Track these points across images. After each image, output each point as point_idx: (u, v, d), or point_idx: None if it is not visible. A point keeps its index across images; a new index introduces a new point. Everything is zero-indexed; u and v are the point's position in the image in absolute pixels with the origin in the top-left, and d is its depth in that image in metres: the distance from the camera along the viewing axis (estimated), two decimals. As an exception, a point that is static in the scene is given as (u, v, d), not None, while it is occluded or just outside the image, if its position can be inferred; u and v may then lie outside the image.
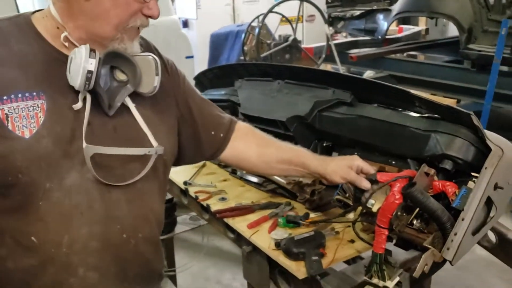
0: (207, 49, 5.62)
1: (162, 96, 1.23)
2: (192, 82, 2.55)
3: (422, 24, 6.27)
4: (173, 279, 2.54)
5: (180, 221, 2.69)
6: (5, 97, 1.00)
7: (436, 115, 1.50)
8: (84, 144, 1.05)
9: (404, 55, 5.45)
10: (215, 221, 1.89)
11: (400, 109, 1.60)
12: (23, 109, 1.01)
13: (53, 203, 1.05)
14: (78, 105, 1.06)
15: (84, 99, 1.07)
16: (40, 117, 1.03)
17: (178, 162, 1.39)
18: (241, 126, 1.46)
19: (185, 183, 2.04)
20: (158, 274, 1.31)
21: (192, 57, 4.59)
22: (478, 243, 1.80)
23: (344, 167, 1.41)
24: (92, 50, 1.04)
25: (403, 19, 6.11)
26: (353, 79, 1.73)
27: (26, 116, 1.02)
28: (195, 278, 2.89)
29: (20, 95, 1.02)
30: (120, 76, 1.12)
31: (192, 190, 1.99)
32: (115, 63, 1.11)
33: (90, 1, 1.03)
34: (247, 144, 1.44)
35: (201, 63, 5.48)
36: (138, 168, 1.14)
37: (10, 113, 1.00)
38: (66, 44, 1.08)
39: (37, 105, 1.03)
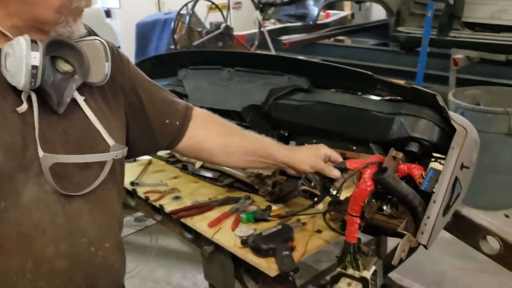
0: (132, 39, 5.35)
1: (109, 86, 1.09)
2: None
3: (347, 9, 6.40)
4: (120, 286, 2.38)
5: (124, 223, 2.51)
6: None
7: (398, 97, 1.47)
8: (41, 153, 0.90)
9: (331, 40, 5.53)
10: (169, 222, 1.77)
11: (359, 93, 1.56)
12: None
13: (10, 224, 0.90)
14: (24, 107, 0.91)
15: (29, 99, 0.91)
16: None
17: (130, 155, 1.23)
18: (199, 113, 1.33)
19: (132, 183, 1.89)
20: (122, 281, 1.19)
21: (118, 47, 4.34)
22: (481, 251, 1.80)
23: (311, 156, 1.35)
24: (34, 42, 0.88)
25: (329, 4, 6.20)
26: (309, 64, 1.67)
27: None
28: (143, 281, 2.73)
29: None
30: (64, 66, 0.97)
31: (141, 191, 1.85)
32: (57, 53, 0.96)
33: None
34: (208, 133, 1.31)
35: (128, 54, 5.18)
36: (95, 172, 1.01)
37: None
38: None
39: None
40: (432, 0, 3.94)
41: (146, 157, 2.13)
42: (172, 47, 4.52)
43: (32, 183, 0.92)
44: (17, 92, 0.91)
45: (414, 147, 1.41)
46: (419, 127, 1.40)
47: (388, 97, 1.50)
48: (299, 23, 4.99)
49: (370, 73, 1.44)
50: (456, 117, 1.40)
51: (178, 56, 2.11)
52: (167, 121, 1.25)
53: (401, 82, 3.73)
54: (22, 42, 0.87)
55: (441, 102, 1.34)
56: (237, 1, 6.95)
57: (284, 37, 5.09)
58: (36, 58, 0.87)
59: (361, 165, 1.32)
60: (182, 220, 1.65)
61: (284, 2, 4.98)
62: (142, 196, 1.83)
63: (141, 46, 5.20)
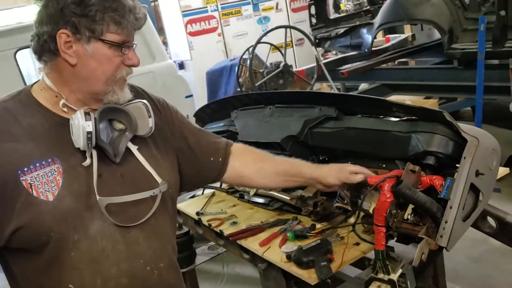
0: (205, 86, 5.82)
1: (159, 134, 1.38)
2: (192, 120, 2.72)
3: (407, 31, 6.43)
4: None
5: (199, 252, 2.80)
6: (25, 169, 1.14)
7: (413, 117, 1.63)
8: (98, 197, 1.18)
9: (395, 63, 5.61)
10: (230, 244, 2.02)
11: (381, 116, 1.74)
12: (43, 176, 1.15)
13: (82, 251, 1.18)
14: (87, 162, 1.20)
15: (91, 155, 1.21)
16: (58, 179, 1.16)
17: (184, 188, 1.51)
18: (237, 147, 1.58)
19: (197, 213, 2.18)
20: None
21: (191, 96, 4.77)
22: (481, 230, 1.91)
23: (336, 168, 1.55)
24: (87, 113, 1.18)
25: (389, 29, 6.28)
26: (335, 96, 1.88)
27: (47, 182, 1.15)
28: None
29: (38, 164, 1.15)
30: (118, 125, 1.27)
31: (204, 219, 2.13)
32: (112, 116, 1.26)
33: (76, 66, 1.18)
34: (245, 162, 1.56)
35: (201, 100, 5.67)
36: (149, 206, 1.27)
37: (33, 182, 1.14)
38: (65, 109, 1.22)
39: (54, 169, 1.17)
40: (484, 14, 3.97)
41: (210, 190, 2.42)
42: (238, 89, 4.88)
43: (97, 219, 1.19)
44: (82, 151, 1.20)
45: (430, 160, 1.55)
46: (434, 142, 1.54)
47: (405, 118, 1.66)
48: (355, 52, 5.15)
49: (384, 98, 1.62)
50: (468, 129, 1.52)
51: (230, 100, 2.41)
52: (212, 159, 1.52)
53: (434, 101, 3.73)
54: (78, 115, 1.17)
55: (449, 118, 1.48)
56: (299, 38, 7.29)
57: (344, 67, 5.28)
58: (89, 126, 1.16)
59: (380, 180, 1.49)
60: (238, 241, 1.90)
61: (338, 35, 5.19)
62: (206, 223, 2.11)
63: (212, 92, 5.64)
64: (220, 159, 1.53)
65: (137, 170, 1.28)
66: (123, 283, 1.22)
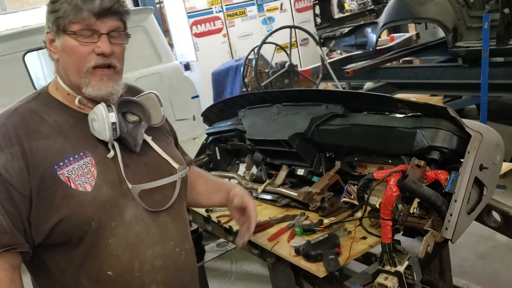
0: (210, 87, 5.87)
1: (163, 125, 1.45)
2: (200, 119, 2.77)
3: (412, 30, 6.45)
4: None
5: (208, 249, 2.83)
6: (61, 163, 1.19)
7: (418, 113, 1.67)
8: (130, 185, 1.25)
9: (400, 62, 5.63)
10: (239, 240, 2.05)
11: (387, 113, 1.77)
12: (78, 169, 1.20)
13: (120, 238, 1.24)
14: (111, 154, 1.26)
15: (113, 147, 1.26)
16: (93, 171, 1.22)
17: None
18: (194, 169, 1.68)
19: (206, 210, 2.21)
20: (197, 280, 1.49)
21: (197, 96, 4.81)
22: (486, 224, 1.94)
23: (241, 194, 1.64)
24: (109, 106, 1.24)
25: (393, 28, 6.31)
26: (341, 93, 1.92)
27: (83, 174, 1.20)
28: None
29: (71, 158, 1.21)
30: (132, 117, 1.32)
31: (214, 216, 2.16)
32: (125, 109, 1.31)
33: (59, 61, 1.26)
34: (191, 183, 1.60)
35: (207, 101, 5.72)
36: (170, 191, 1.35)
37: (70, 175, 1.19)
38: (81, 106, 1.28)
39: (87, 162, 1.22)
40: (488, 12, 3.99)
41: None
42: (244, 89, 4.92)
43: (130, 206, 1.26)
44: (104, 143, 1.26)
45: (435, 155, 1.58)
46: (438, 137, 1.58)
47: (410, 114, 1.69)
48: (360, 51, 5.18)
49: (389, 95, 1.65)
50: (472, 124, 1.56)
51: (237, 100, 2.45)
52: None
53: (438, 98, 3.75)
54: (101, 108, 1.22)
55: (452, 113, 1.52)
56: (304, 38, 7.32)
57: (349, 66, 5.31)
58: (113, 117, 1.22)
59: (386, 175, 1.53)
60: (247, 237, 1.93)
61: (343, 34, 5.22)
62: (215, 220, 2.14)
63: (218, 93, 5.68)
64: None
65: (155, 159, 1.35)
66: (158, 265, 1.28)
